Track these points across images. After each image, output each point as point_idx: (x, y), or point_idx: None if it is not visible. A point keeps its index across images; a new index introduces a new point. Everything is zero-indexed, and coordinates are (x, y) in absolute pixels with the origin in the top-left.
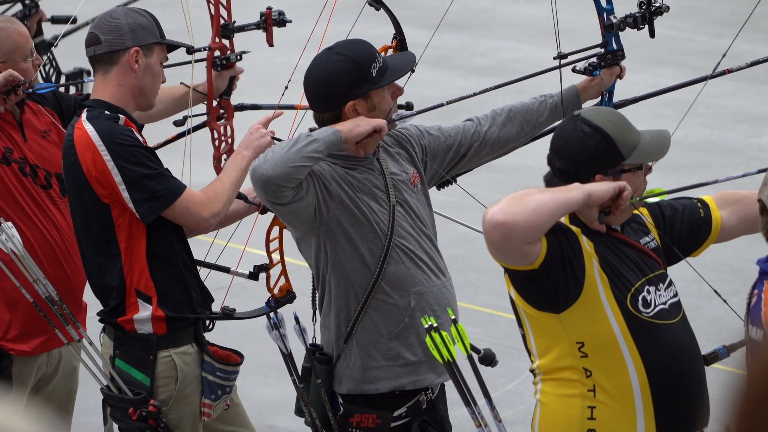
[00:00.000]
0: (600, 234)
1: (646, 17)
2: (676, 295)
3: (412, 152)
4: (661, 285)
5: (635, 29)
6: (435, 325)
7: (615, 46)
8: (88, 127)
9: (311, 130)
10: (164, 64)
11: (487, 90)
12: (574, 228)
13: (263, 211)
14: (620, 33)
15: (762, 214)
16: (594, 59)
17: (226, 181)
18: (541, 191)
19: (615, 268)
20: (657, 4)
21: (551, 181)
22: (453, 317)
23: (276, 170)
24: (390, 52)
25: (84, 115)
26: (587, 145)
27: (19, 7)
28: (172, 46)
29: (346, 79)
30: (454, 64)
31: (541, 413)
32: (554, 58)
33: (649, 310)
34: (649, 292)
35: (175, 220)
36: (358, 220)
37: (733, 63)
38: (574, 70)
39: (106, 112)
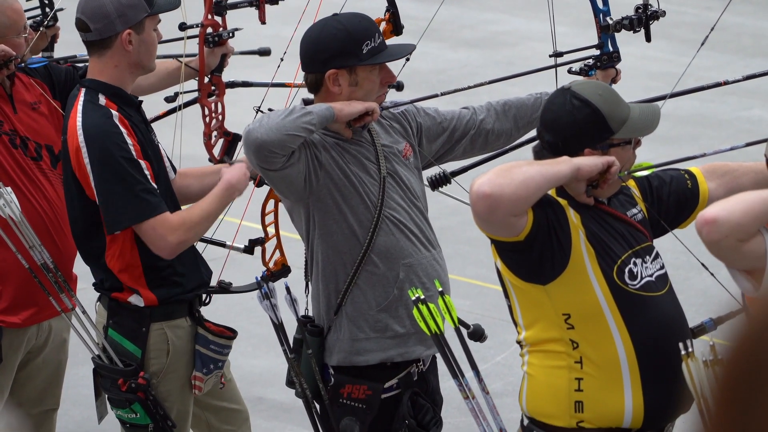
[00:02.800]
0: (587, 206)
1: (642, 20)
2: (662, 267)
3: (407, 126)
4: (647, 257)
5: (631, 32)
6: (422, 297)
7: (611, 48)
8: (79, 125)
9: (304, 101)
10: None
11: (481, 84)
12: (561, 200)
13: (259, 184)
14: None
15: None
16: (590, 60)
17: (206, 210)
18: (529, 164)
19: (601, 240)
20: (653, 9)
21: (540, 153)
22: (440, 289)
23: (270, 135)
24: (383, 25)
25: (80, 102)
26: (576, 119)
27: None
28: None
29: (334, 46)
30: (443, 36)
31: (528, 385)
32: (550, 56)
33: (635, 282)
34: (635, 264)
35: (141, 237)
36: (348, 191)
37: (720, 35)
38: (569, 72)
39: (101, 97)
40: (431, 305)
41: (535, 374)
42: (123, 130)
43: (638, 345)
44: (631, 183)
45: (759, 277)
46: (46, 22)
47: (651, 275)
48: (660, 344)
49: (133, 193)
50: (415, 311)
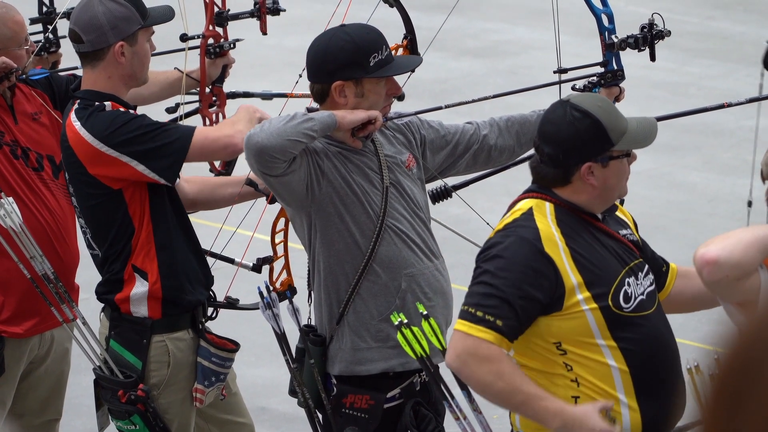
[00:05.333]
0: (580, 229)
1: (647, 39)
2: (652, 283)
3: (411, 137)
4: (640, 274)
5: (636, 50)
6: (405, 321)
7: (615, 66)
8: (83, 132)
9: (308, 109)
10: (157, 51)
11: (485, 98)
12: (551, 247)
13: (272, 201)
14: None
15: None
16: (594, 77)
17: (242, 111)
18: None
19: (595, 267)
20: (659, 28)
21: (538, 167)
22: (425, 313)
23: (271, 140)
24: (400, 51)
25: (74, 111)
26: (578, 130)
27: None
28: None
29: (341, 57)
30: (446, 45)
31: None
32: (554, 72)
33: (629, 305)
34: (629, 284)
35: (204, 155)
36: (350, 200)
37: (722, 44)
38: (573, 89)
39: (96, 103)
40: (414, 329)
41: None
42: (120, 109)
43: (631, 363)
44: (626, 214)
45: (752, 309)
46: (38, 48)
47: (643, 293)
48: (652, 360)
49: (162, 133)
50: (399, 336)
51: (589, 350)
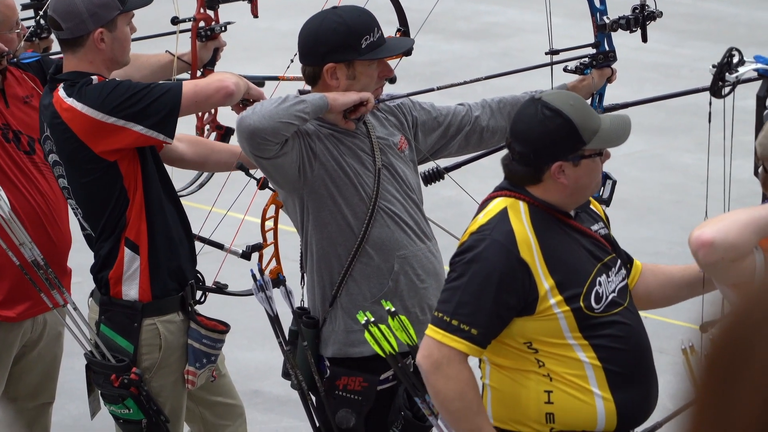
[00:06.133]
0: (554, 228)
1: (639, 20)
2: (624, 278)
3: (403, 119)
4: (612, 270)
5: (628, 31)
6: (372, 319)
7: (607, 47)
8: (79, 106)
9: (300, 92)
10: (148, 34)
11: (478, 80)
12: (526, 251)
13: (262, 187)
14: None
15: (757, 171)
16: (585, 59)
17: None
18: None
19: (568, 268)
20: (650, 9)
21: (510, 165)
22: (392, 309)
23: (263, 123)
24: None
25: (62, 91)
26: (548, 129)
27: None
28: None
29: (332, 40)
30: (437, 27)
31: (493, 396)
32: (546, 53)
33: (600, 306)
34: (600, 284)
35: (198, 102)
36: (343, 182)
37: (714, 25)
38: (565, 70)
39: (82, 79)
40: (382, 326)
41: (500, 387)
42: (105, 79)
43: (602, 358)
44: (599, 209)
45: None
46: (28, 33)
47: (614, 290)
48: (624, 353)
49: (151, 91)
50: (366, 334)
51: (560, 348)
